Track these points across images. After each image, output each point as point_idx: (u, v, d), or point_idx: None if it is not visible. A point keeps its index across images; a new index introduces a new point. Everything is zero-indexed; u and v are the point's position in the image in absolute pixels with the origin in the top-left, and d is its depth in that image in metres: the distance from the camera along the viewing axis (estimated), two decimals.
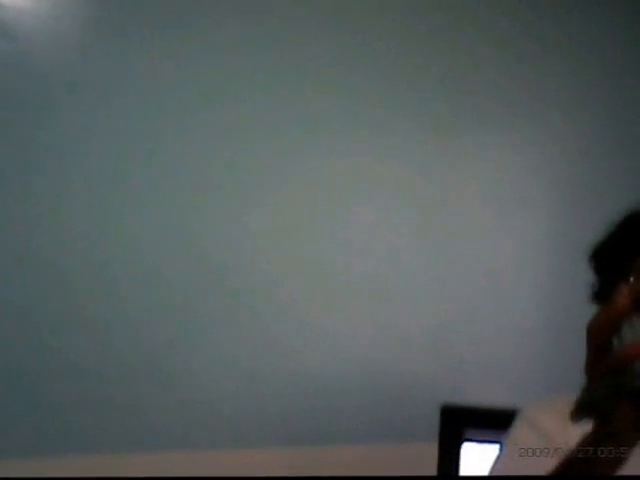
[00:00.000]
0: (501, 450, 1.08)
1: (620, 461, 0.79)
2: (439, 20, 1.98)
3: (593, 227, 1.08)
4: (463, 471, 1.59)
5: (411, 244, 1.96)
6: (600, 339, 0.75)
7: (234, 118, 1.80)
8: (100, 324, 1.70)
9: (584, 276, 1.10)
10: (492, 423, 1.55)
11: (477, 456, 1.58)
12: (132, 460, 1.69)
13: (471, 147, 2.03)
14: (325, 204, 1.89)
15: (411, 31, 1.96)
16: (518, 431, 1.08)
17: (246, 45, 1.81)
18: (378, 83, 1.93)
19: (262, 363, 1.82)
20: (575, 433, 0.97)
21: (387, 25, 1.94)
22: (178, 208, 1.76)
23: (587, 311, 1.08)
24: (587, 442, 0.80)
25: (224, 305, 1.80)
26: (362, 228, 1.92)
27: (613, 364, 0.73)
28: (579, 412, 0.78)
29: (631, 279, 0.96)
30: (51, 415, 1.65)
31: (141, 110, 1.74)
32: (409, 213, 1.96)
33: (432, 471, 1.61)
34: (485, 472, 1.13)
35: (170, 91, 1.76)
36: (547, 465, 0.91)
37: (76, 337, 1.68)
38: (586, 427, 0.82)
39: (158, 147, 1.75)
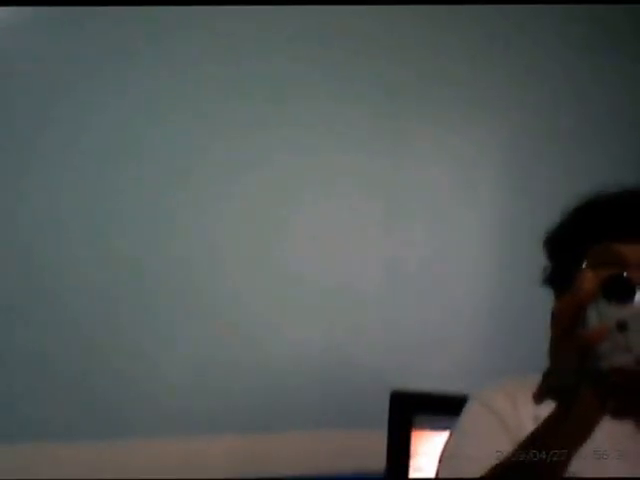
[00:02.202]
0: (453, 430, 1.09)
1: (580, 441, 0.81)
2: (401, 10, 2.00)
3: (546, 213, 1.09)
4: (413, 457, 1.60)
5: (362, 234, 1.97)
6: (565, 323, 0.77)
7: (184, 123, 1.80)
8: (55, 310, 1.69)
9: (535, 261, 1.12)
10: (442, 409, 1.57)
11: (427, 442, 1.60)
12: (83, 450, 1.68)
13: (424, 135, 2.04)
14: (279, 199, 1.90)
15: (371, 21, 1.97)
16: (471, 411, 1.09)
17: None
18: (331, 74, 1.94)
19: (214, 352, 1.82)
20: (527, 414, 0.99)
21: (345, 20, 1.95)
22: (147, 205, 1.76)
23: (538, 296, 1.10)
24: (549, 422, 0.82)
25: (178, 295, 1.80)
26: (314, 220, 1.93)
27: (577, 347, 0.75)
28: (543, 394, 0.79)
29: (584, 265, 0.98)
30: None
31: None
32: (361, 202, 1.97)
33: (382, 457, 1.62)
34: (435, 457, 1.14)
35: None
36: (500, 444, 0.93)
37: (34, 324, 1.67)
38: (540, 408, 0.84)
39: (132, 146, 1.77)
